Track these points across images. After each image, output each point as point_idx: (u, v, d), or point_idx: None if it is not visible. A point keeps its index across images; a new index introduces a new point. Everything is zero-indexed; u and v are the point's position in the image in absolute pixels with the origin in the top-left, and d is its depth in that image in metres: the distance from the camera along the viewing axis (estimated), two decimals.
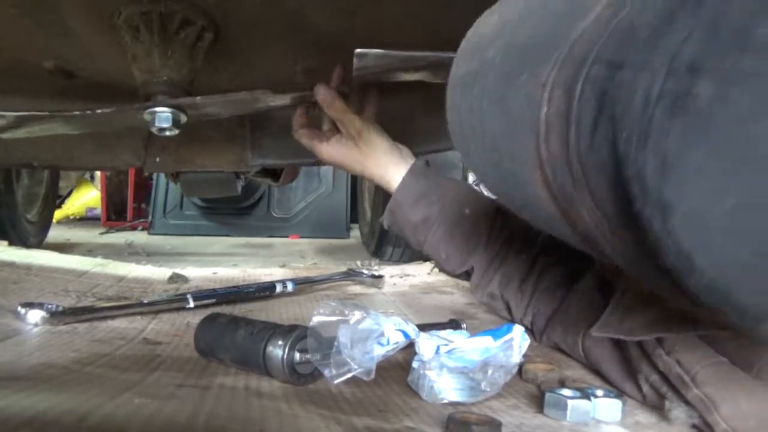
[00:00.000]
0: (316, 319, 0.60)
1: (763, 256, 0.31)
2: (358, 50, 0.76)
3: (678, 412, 0.55)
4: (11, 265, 1.26)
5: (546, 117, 0.39)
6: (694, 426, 0.54)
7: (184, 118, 0.89)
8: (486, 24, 0.49)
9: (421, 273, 1.55)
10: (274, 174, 1.65)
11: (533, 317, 0.86)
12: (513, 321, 0.88)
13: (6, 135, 0.92)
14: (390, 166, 0.93)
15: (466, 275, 0.94)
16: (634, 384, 0.63)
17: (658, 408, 0.58)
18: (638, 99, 0.33)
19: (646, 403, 0.61)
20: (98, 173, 4.39)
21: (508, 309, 0.90)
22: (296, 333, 0.62)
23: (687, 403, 0.55)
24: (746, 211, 0.31)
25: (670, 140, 0.32)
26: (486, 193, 0.99)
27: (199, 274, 1.46)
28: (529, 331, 0.86)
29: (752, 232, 0.31)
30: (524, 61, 0.42)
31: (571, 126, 0.37)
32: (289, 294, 1.17)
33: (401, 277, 1.48)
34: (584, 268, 0.79)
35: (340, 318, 0.60)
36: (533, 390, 0.65)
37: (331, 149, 0.96)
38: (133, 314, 0.94)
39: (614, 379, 0.66)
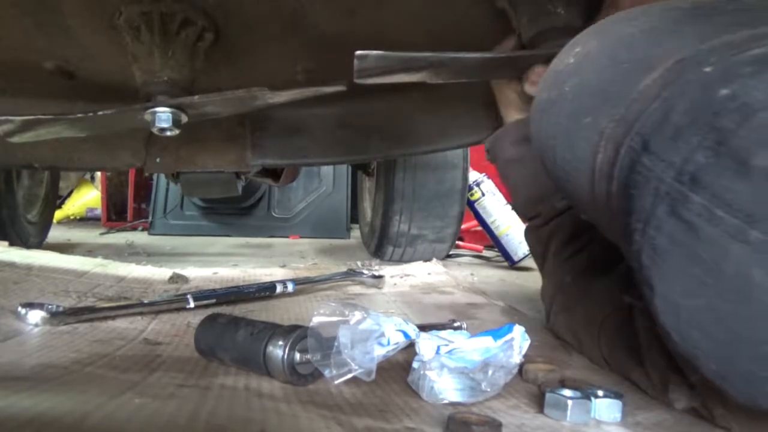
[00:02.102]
0: (316, 320, 0.60)
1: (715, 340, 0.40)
2: (359, 52, 0.76)
3: (679, 393, 0.56)
4: (12, 265, 1.26)
5: (600, 164, 0.46)
6: (693, 408, 0.55)
7: (184, 118, 0.89)
8: (568, 55, 0.53)
9: (421, 273, 1.55)
10: (274, 174, 1.65)
11: (557, 288, 0.88)
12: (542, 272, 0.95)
13: (14, 139, 0.92)
14: (512, 112, 0.98)
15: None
16: (642, 371, 0.63)
17: (663, 390, 0.59)
18: (649, 189, 0.39)
19: (653, 391, 0.61)
20: (98, 174, 4.39)
21: (543, 258, 0.93)
22: (297, 333, 0.62)
23: (691, 386, 0.56)
24: (710, 311, 0.39)
25: (661, 239, 0.39)
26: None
27: (199, 274, 1.46)
28: (546, 311, 0.89)
29: (713, 324, 0.39)
30: (592, 105, 0.47)
31: (614, 180, 0.44)
32: (290, 294, 1.16)
33: (401, 277, 1.48)
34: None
35: (340, 318, 0.60)
36: (534, 390, 0.64)
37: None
38: (133, 314, 0.94)
39: (625, 363, 0.67)
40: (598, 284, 0.80)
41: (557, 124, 0.51)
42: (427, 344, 0.62)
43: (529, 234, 0.99)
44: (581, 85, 0.49)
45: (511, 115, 0.98)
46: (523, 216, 1.02)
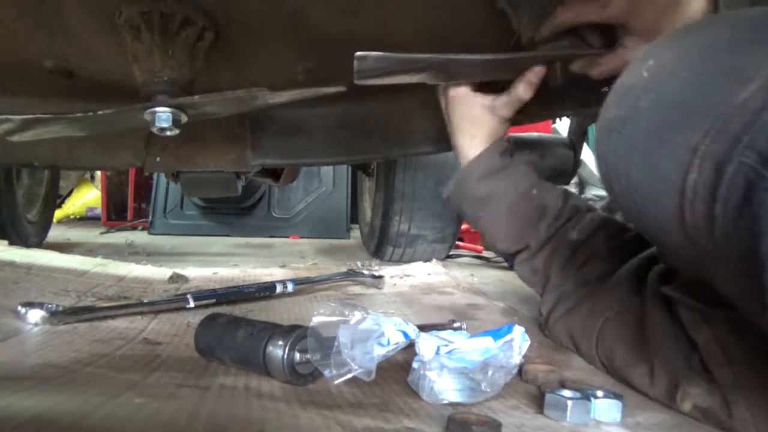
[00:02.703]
0: (316, 320, 0.60)
1: None
2: (359, 53, 0.76)
3: (695, 390, 0.55)
4: (11, 264, 1.26)
5: (694, 184, 0.42)
6: (705, 409, 0.54)
7: (184, 118, 0.89)
8: (639, 69, 0.50)
9: (421, 273, 1.55)
10: (274, 174, 1.65)
11: (560, 296, 0.86)
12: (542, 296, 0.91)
13: (14, 138, 0.92)
14: (475, 144, 0.93)
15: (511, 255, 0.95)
16: (646, 368, 0.63)
17: (668, 390, 0.58)
18: None
19: (654, 391, 0.61)
20: (98, 173, 4.38)
21: (545, 284, 0.90)
22: (296, 333, 0.62)
23: (710, 384, 0.55)
24: None
25: None
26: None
27: (199, 274, 1.46)
28: (545, 318, 0.88)
29: None
30: (676, 120, 0.44)
31: (718, 202, 0.40)
32: (290, 294, 1.17)
33: (401, 278, 1.48)
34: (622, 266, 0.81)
35: (340, 318, 0.60)
36: (533, 391, 0.65)
37: (466, 96, 0.93)
38: (133, 314, 0.94)
39: (626, 363, 0.67)
40: (599, 289, 0.80)
41: (631, 144, 0.47)
42: (427, 344, 0.62)
43: (520, 267, 0.94)
44: (661, 100, 0.46)
45: (470, 142, 0.92)
46: (507, 253, 0.96)
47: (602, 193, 2.66)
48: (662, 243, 0.53)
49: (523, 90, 0.86)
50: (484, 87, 0.92)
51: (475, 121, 0.92)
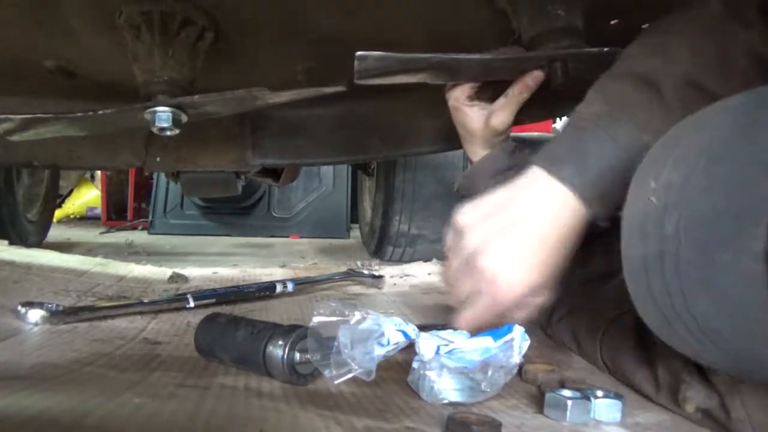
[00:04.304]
0: (316, 320, 0.60)
1: None
2: (359, 53, 0.76)
3: (694, 392, 0.55)
4: (11, 264, 1.26)
5: None
6: (705, 411, 0.54)
7: (184, 118, 0.89)
8: (644, 193, 0.46)
9: (422, 273, 1.55)
10: (274, 174, 1.65)
11: (561, 295, 0.85)
12: None
13: (14, 137, 0.92)
14: (475, 149, 0.93)
15: None
16: (649, 371, 0.63)
17: (672, 393, 0.58)
18: None
19: (657, 393, 0.61)
20: (98, 172, 4.39)
21: None
22: (296, 333, 0.62)
23: (708, 385, 0.55)
24: None
25: None
26: None
27: (199, 273, 1.46)
28: (547, 317, 0.87)
29: None
30: (722, 234, 0.39)
31: None
32: (290, 294, 1.17)
33: (401, 277, 1.48)
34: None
35: (340, 318, 0.60)
36: (533, 390, 0.65)
37: (461, 104, 0.93)
38: (133, 314, 0.94)
39: (629, 366, 0.66)
40: (601, 289, 0.80)
41: (679, 275, 0.42)
42: (427, 344, 0.61)
43: None
44: (692, 218, 0.41)
45: (470, 148, 0.93)
46: None
47: None
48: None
49: (520, 93, 0.85)
50: (485, 89, 0.92)
51: (470, 129, 0.92)
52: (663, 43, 0.64)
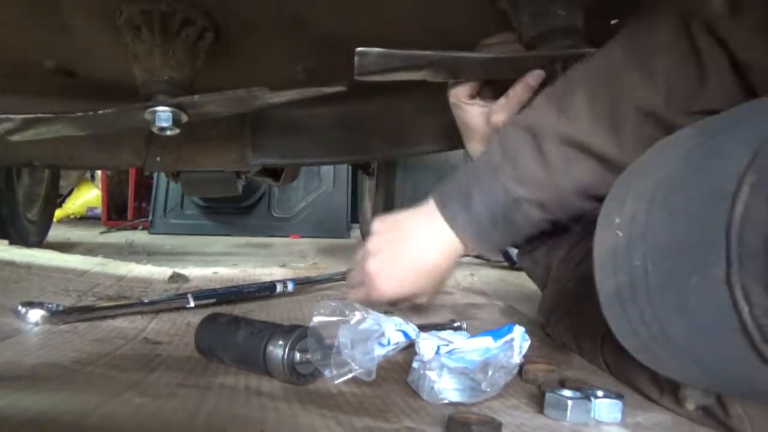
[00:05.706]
0: (316, 319, 0.60)
1: None
2: (360, 49, 0.76)
3: (693, 390, 0.55)
4: (12, 264, 1.26)
5: (754, 318, 0.37)
6: (704, 408, 0.54)
7: (184, 118, 0.89)
8: (610, 229, 0.47)
9: None
10: (274, 173, 1.65)
11: (561, 294, 0.87)
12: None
13: (15, 137, 0.92)
14: (475, 147, 0.93)
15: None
16: (651, 373, 0.63)
17: (673, 393, 0.58)
18: None
19: (658, 394, 0.61)
20: (99, 172, 4.38)
21: (546, 275, 0.91)
22: (297, 333, 0.62)
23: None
24: None
25: None
26: None
27: (199, 273, 1.46)
28: (547, 317, 0.88)
29: None
30: (686, 263, 0.40)
31: None
32: (290, 294, 1.16)
33: None
34: None
35: (340, 318, 0.60)
36: (533, 390, 0.64)
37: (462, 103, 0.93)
38: (133, 314, 0.94)
39: (630, 369, 0.66)
40: None
41: (652, 304, 0.43)
42: (427, 344, 0.62)
43: (522, 258, 0.96)
44: (656, 249, 0.42)
45: (471, 146, 0.93)
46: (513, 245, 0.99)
47: None
48: (736, 382, 0.47)
49: (521, 93, 0.85)
50: (486, 87, 0.91)
51: (471, 127, 0.92)
52: (562, 97, 0.68)
